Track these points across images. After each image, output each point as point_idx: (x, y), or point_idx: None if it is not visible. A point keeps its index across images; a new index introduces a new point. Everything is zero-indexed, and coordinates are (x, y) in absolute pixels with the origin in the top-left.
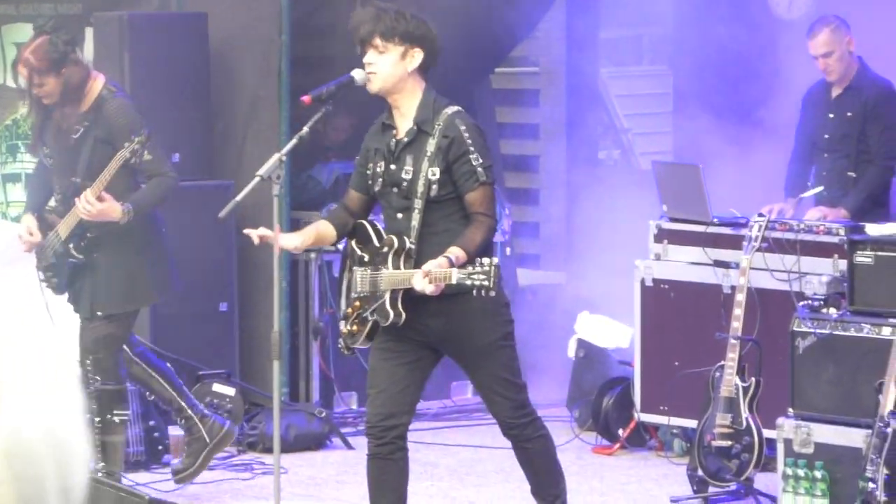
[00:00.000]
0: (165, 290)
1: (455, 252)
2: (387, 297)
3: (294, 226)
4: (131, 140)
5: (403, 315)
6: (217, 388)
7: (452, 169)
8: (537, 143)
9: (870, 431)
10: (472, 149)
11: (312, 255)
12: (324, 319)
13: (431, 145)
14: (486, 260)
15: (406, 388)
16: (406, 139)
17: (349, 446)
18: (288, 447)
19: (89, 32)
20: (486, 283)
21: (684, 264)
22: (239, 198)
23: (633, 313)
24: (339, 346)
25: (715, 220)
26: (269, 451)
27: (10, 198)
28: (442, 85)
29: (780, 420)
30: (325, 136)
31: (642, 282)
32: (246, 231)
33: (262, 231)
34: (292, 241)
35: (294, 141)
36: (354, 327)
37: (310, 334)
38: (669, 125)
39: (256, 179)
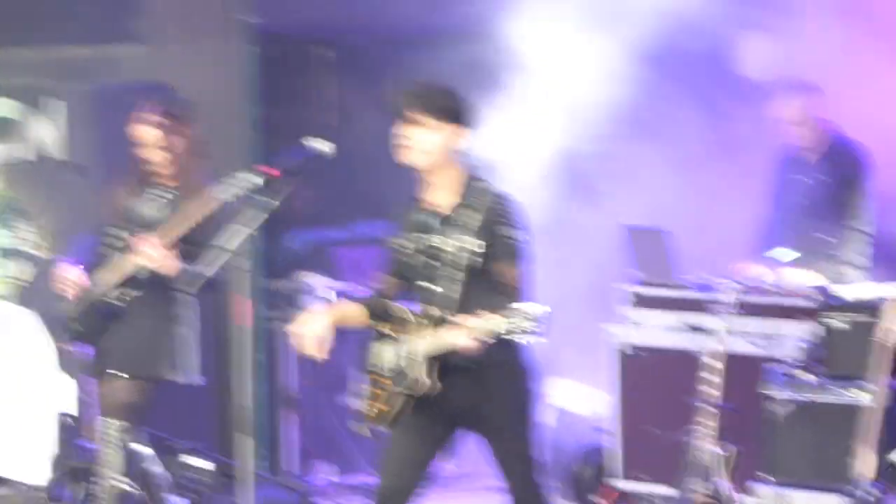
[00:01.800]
0: (185, 370)
1: (494, 318)
2: (422, 366)
3: (269, 295)
4: (232, 180)
5: (438, 384)
6: (193, 461)
7: (491, 242)
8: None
9: (845, 497)
10: (510, 224)
11: (287, 323)
12: (301, 391)
13: (473, 219)
14: (532, 306)
15: (422, 462)
16: (446, 213)
17: None
18: None
19: (60, 105)
20: (533, 328)
21: (658, 329)
22: (209, 272)
23: (603, 378)
24: (358, 427)
25: (686, 284)
26: None
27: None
28: None
29: (756, 486)
30: (289, 206)
31: (617, 347)
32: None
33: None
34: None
35: (263, 213)
36: (384, 406)
37: (287, 405)
38: (641, 187)
39: (226, 254)
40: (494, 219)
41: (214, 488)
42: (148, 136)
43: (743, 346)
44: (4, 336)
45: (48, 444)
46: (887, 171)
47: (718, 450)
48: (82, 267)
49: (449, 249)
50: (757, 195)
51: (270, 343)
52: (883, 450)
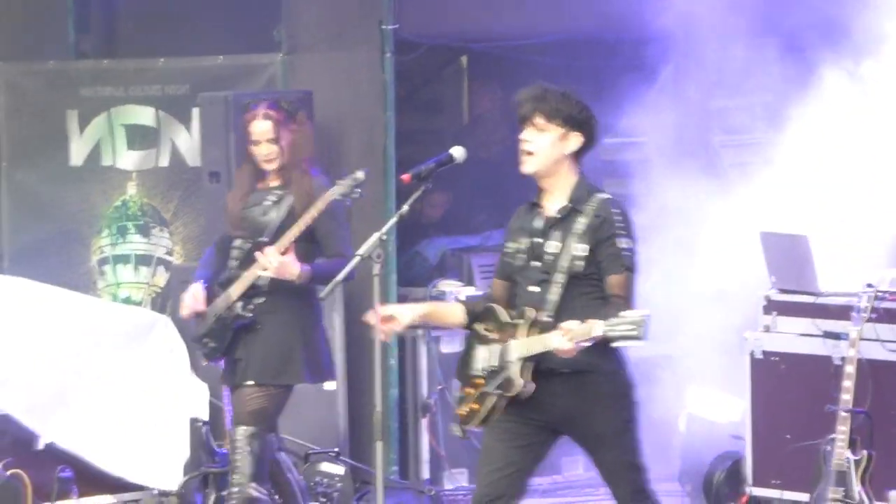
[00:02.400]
0: (317, 374)
1: (593, 322)
2: (516, 366)
3: (402, 302)
4: (343, 179)
5: (533, 385)
6: (326, 467)
7: (599, 249)
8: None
9: None
10: (621, 233)
11: (420, 331)
12: (432, 396)
13: (582, 223)
14: (631, 311)
15: (518, 470)
16: (557, 216)
17: None
18: None
19: (196, 112)
20: (633, 333)
21: (794, 336)
22: (340, 277)
23: (742, 386)
24: (453, 429)
25: (824, 290)
26: None
27: (120, 279)
28: None
29: (893, 493)
30: (422, 212)
31: (752, 354)
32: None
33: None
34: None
35: (394, 219)
36: (475, 405)
37: (419, 411)
38: (779, 191)
39: (356, 259)
40: (602, 226)
41: (347, 493)
42: (260, 129)
43: (880, 353)
44: (138, 341)
45: (180, 450)
46: None
47: (852, 455)
48: (204, 283)
49: (552, 252)
50: None
51: (403, 350)
52: None
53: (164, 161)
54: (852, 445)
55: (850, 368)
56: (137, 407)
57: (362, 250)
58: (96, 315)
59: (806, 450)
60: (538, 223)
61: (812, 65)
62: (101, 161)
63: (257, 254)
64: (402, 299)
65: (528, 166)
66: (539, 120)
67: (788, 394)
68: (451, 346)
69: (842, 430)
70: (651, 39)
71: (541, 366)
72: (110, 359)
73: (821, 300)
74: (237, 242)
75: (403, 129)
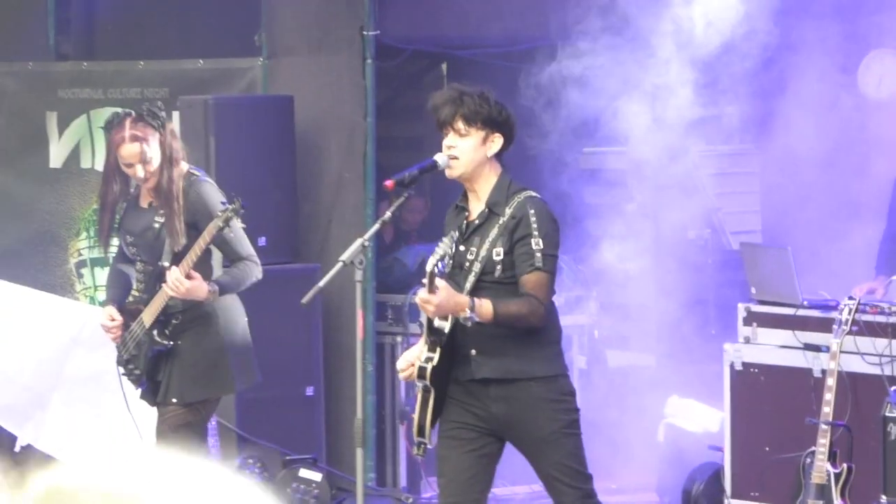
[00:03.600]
0: (248, 379)
1: (484, 301)
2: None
3: (380, 309)
4: (224, 210)
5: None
6: (303, 473)
7: (514, 249)
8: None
9: None
10: (535, 233)
11: (399, 338)
12: (410, 403)
13: (499, 226)
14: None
15: (474, 475)
16: (477, 221)
17: None
18: None
19: (176, 116)
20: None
21: (774, 348)
22: (322, 283)
23: (722, 397)
24: (413, 451)
25: (805, 302)
26: None
27: (97, 282)
28: (533, 166)
29: None
30: (402, 218)
31: (732, 365)
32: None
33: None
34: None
35: (377, 226)
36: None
37: (396, 418)
38: (758, 205)
39: (339, 265)
40: (518, 226)
41: (324, 499)
42: (130, 151)
43: (860, 366)
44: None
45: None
46: None
47: (832, 468)
48: (116, 304)
49: (469, 257)
50: (878, 213)
51: (381, 356)
52: None
53: None
54: (832, 458)
55: (830, 381)
56: (114, 409)
57: (345, 256)
58: (74, 317)
59: (785, 462)
60: (464, 228)
61: (794, 75)
62: (80, 163)
63: (167, 280)
64: (380, 306)
65: (453, 171)
66: (460, 124)
67: (767, 406)
68: None
69: (822, 443)
70: (633, 48)
71: (477, 375)
72: (87, 361)
73: (801, 312)
74: (138, 266)
75: (384, 134)
